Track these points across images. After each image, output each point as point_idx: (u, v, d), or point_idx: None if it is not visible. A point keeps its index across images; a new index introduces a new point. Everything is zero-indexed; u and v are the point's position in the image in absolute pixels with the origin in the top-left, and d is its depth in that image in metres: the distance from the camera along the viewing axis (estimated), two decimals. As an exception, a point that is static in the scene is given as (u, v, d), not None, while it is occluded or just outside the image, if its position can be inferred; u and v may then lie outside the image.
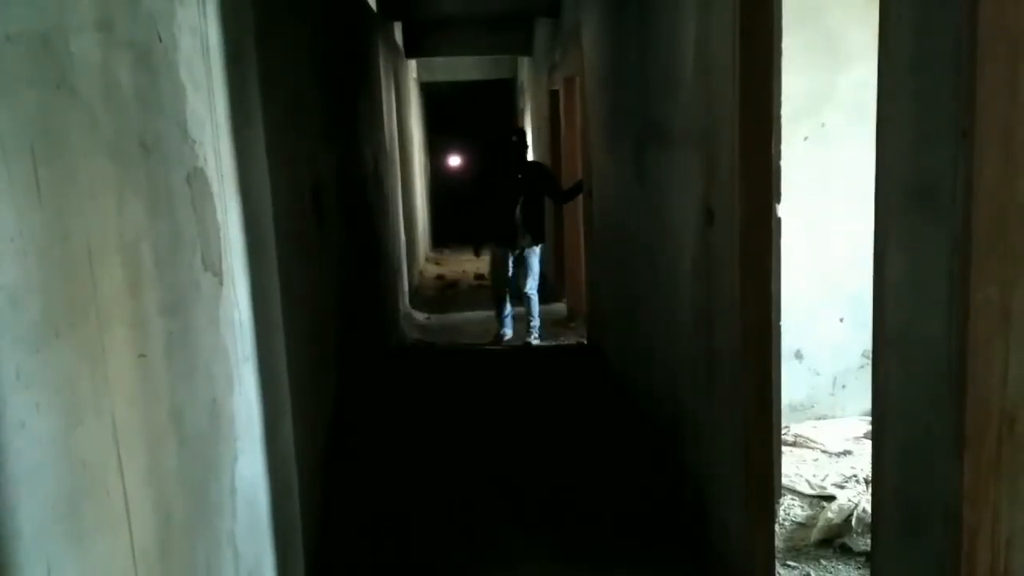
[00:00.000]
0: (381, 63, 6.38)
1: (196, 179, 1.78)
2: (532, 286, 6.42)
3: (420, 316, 7.73)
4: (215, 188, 1.90)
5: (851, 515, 3.07)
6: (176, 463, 1.58)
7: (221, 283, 1.91)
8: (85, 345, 1.25)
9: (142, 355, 1.45)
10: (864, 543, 2.86)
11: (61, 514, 1.15)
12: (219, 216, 1.91)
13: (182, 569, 1.59)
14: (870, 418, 1.78)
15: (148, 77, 1.57)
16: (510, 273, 6.43)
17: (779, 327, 2.90)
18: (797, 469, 3.60)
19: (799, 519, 3.20)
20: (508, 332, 6.62)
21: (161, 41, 1.64)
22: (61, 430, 1.16)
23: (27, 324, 1.10)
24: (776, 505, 3.05)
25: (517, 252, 6.34)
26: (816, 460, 3.73)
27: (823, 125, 3.91)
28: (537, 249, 6.38)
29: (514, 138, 6.26)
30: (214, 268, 1.86)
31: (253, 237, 2.21)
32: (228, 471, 1.91)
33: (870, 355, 1.74)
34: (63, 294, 1.19)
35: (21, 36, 1.13)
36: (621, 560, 3.03)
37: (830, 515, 3.11)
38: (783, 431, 3.72)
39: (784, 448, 3.63)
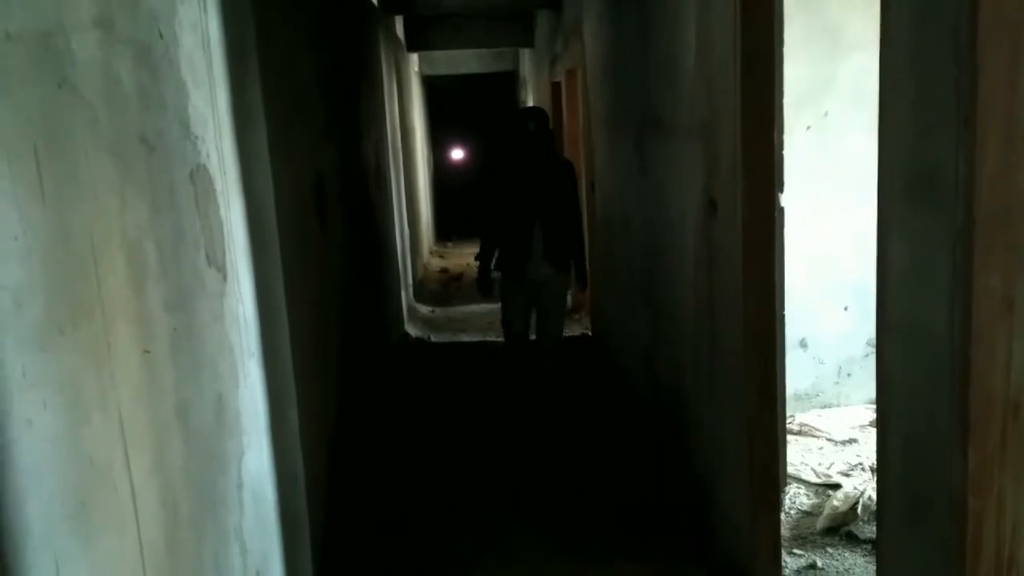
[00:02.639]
0: (382, 57, 6.37)
1: (199, 176, 1.78)
2: (554, 333, 4.45)
3: (424, 309, 7.74)
4: (218, 184, 1.90)
5: (857, 503, 3.07)
6: (183, 459, 1.59)
7: (225, 279, 1.92)
8: (90, 343, 1.25)
9: (147, 351, 1.45)
10: (870, 531, 2.87)
11: (69, 511, 1.16)
12: (222, 212, 1.92)
13: (190, 564, 1.60)
14: (875, 406, 1.78)
15: (149, 74, 1.57)
16: (523, 318, 4.45)
17: (783, 316, 2.90)
18: (802, 458, 3.61)
19: (805, 507, 3.20)
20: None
21: (162, 38, 1.64)
22: (68, 427, 1.17)
23: (32, 323, 1.11)
24: (782, 494, 3.05)
25: (533, 288, 4.35)
26: (821, 448, 3.73)
27: (825, 114, 3.90)
28: (561, 291, 4.46)
29: (531, 126, 4.20)
30: (218, 264, 1.87)
31: (256, 233, 2.22)
32: (234, 466, 1.92)
33: (875, 344, 1.74)
34: (67, 292, 1.20)
35: (22, 35, 1.13)
36: (624, 551, 3.04)
37: (836, 503, 3.11)
38: (788, 420, 3.73)
39: (789, 437, 3.63)
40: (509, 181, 4.32)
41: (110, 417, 1.29)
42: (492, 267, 4.45)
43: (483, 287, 4.55)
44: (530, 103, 10.57)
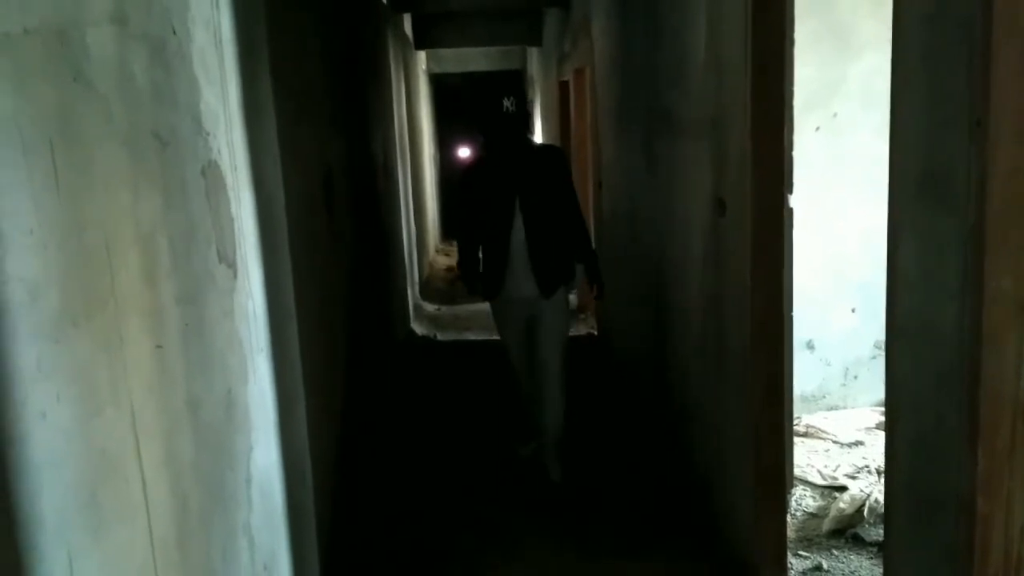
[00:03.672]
0: (391, 55, 6.38)
1: (210, 171, 1.79)
2: (551, 364, 3.60)
3: (430, 307, 7.75)
4: (229, 180, 1.91)
5: (863, 505, 3.07)
6: (193, 453, 1.60)
7: (235, 274, 1.93)
8: (103, 335, 1.26)
9: (159, 345, 1.46)
10: (876, 533, 2.86)
11: (82, 503, 1.17)
12: (233, 208, 1.93)
13: (199, 557, 1.61)
14: (882, 408, 1.78)
15: (162, 70, 1.57)
16: (519, 337, 3.72)
17: (791, 318, 2.90)
18: (809, 460, 3.61)
19: (811, 509, 3.20)
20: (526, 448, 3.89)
21: (175, 34, 1.65)
22: (80, 419, 1.18)
23: (46, 315, 1.11)
24: (788, 496, 3.05)
25: (523, 308, 3.58)
26: (828, 451, 3.73)
27: (835, 115, 3.90)
28: (559, 301, 3.55)
29: (507, 104, 3.40)
30: (228, 259, 1.88)
31: (266, 228, 2.23)
32: (243, 460, 1.92)
33: (882, 345, 1.74)
34: (81, 285, 1.21)
35: (38, 30, 1.14)
36: (627, 548, 3.04)
37: (842, 505, 3.11)
38: (795, 422, 3.72)
39: (796, 439, 3.63)
40: (484, 176, 3.54)
41: (122, 410, 1.30)
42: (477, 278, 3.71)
43: (471, 286, 3.75)
44: (538, 102, 10.56)
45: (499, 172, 3.48)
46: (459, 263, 3.75)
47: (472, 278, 3.71)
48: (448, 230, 13.19)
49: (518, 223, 3.42)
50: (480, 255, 3.63)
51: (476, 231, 3.59)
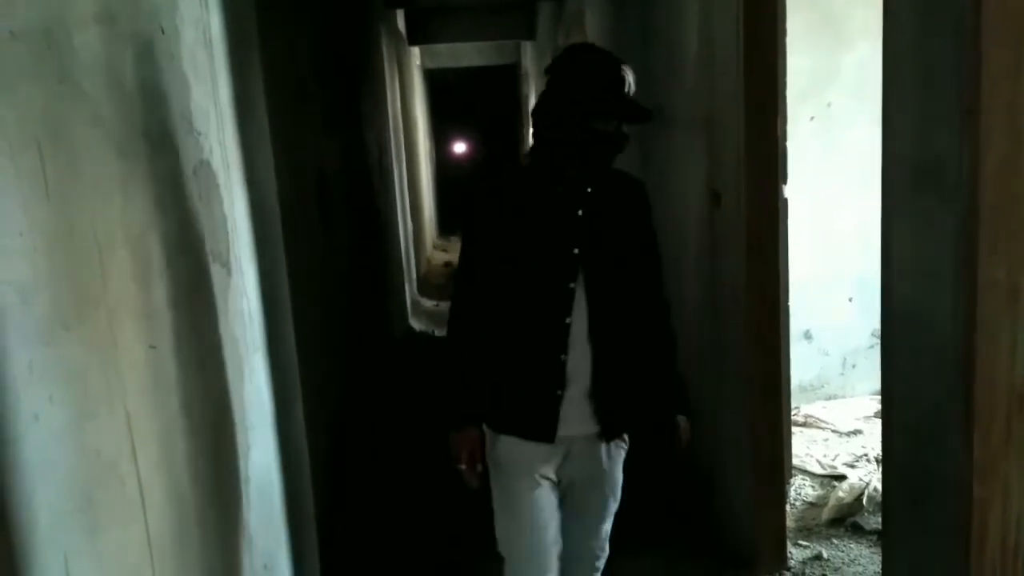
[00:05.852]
0: (384, 51, 6.36)
1: (202, 171, 1.78)
2: (598, 551, 2.14)
3: (428, 303, 7.75)
4: (221, 179, 1.91)
5: (862, 494, 3.07)
6: (189, 453, 1.59)
7: (229, 273, 1.92)
8: (96, 338, 1.26)
9: (153, 347, 1.46)
10: (875, 521, 2.87)
11: (76, 504, 1.17)
12: (225, 207, 1.92)
13: (196, 558, 1.61)
14: (880, 397, 1.78)
15: (151, 70, 1.57)
16: (549, 525, 2.06)
17: (788, 308, 2.90)
18: (808, 449, 3.61)
19: (810, 499, 3.20)
20: None
21: (164, 33, 1.64)
22: (74, 422, 1.18)
23: (37, 318, 1.11)
24: (787, 485, 3.05)
25: (559, 456, 1.97)
26: (826, 440, 3.73)
27: (829, 105, 3.89)
28: (619, 453, 2.13)
29: (630, 82, 1.90)
30: (222, 259, 1.87)
31: (260, 227, 2.22)
32: (241, 460, 1.92)
33: (879, 335, 1.74)
34: (72, 288, 1.20)
35: (24, 31, 1.13)
36: (628, 543, 3.03)
37: (841, 494, 3.11)
38: (793, 412, 3.72)
39: (794, 428, 3.63)
40: (525, 224, 1.84)
41: (116, 412, 1.30)
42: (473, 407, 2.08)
43: (464, 408, 2.11)
44: (532, 97, 10.51)
45: (555, 209, 1.83)
46: (451, 377, 2.10)
47: (466, 397, 2.09)
48: (445, 226, 13.18)
49: (579, 305, 1.84)
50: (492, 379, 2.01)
51: (490, 307, 1.91)
